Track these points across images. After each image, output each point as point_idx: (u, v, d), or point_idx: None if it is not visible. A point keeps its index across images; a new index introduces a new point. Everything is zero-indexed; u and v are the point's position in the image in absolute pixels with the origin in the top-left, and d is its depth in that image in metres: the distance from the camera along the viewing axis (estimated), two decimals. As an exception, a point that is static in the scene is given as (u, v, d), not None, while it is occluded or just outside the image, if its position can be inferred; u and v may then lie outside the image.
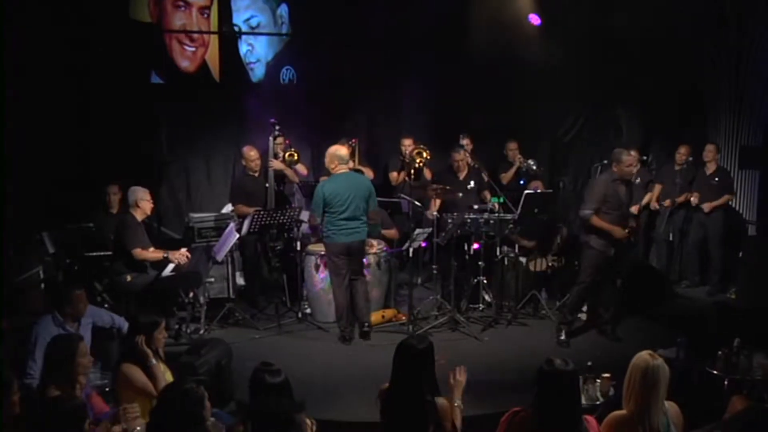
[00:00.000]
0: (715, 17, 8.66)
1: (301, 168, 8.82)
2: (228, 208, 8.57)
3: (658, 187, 8.88)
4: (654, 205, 8.88)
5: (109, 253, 7.29)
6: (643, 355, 3.59)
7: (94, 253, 7.55)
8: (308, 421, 3.16)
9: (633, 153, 8.87)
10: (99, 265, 7.50)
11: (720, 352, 5.01)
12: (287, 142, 8.67)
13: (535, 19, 9.42)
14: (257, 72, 9.74)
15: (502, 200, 7.77)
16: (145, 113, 8.82)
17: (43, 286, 7.40)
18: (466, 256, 7.62)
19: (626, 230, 6.67)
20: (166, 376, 4.37)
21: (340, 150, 7.06)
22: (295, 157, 8.78)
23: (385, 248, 7.70)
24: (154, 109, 8.94)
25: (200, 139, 9.53)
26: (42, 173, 7.77)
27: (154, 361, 4.32)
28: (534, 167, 8.68)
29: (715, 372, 4.97)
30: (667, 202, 8.65)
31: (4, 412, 3.30)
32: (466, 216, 7.33)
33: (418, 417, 3.58)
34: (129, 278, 6.73)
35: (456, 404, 3.89)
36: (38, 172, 7.67)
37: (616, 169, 6.60)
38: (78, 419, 3.07)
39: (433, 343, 3.84)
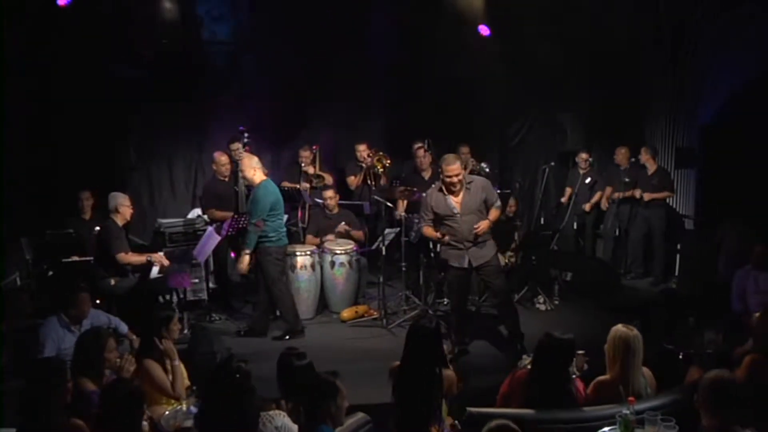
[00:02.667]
0: (652, 26, 9.31)
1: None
2: (194, 213, 8.81)
3: (609, 189, 9.53)
4: (604, 205, 9.53)
5: (86, 258, 7.48)
6: (622, 328, 4.15)
7: (70, 259, 7.67)
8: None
9: (584, 155, 9.64)
10: (75, 270, 7.62)
11: (676, 330, 5.60)
12: (248, 149, 8.93)
13: (484, 30, 9.95)
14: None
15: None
16: (112, 118, 8.95)
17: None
18: (432, 254, 8.08)
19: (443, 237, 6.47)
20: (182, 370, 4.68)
21: (253, 158, 7.36)
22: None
23: (355, 248, 8.10)
24: (121, 113, 9.09)
25: (163, 144, 9.71)
26: (14, 179, 7.86)
27: (177, 361, 4.61)
28: (487, 170, 9.18)
29: (672, 347, 5.55)
30: (616, 195, 9.28)
31: (58, 399, 3.56)
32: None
33: (430, 390, 4.00)
34: (113, 282, 6.93)
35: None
36: (11, 178, 7.76)
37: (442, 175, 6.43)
38: (137, 401, 3.37)
39: (440, 323, 4.29)
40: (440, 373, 4.06)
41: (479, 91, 10.28)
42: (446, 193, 6.45)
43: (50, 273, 7.65)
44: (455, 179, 6.33)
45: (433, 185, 8.53)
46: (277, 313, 7.61)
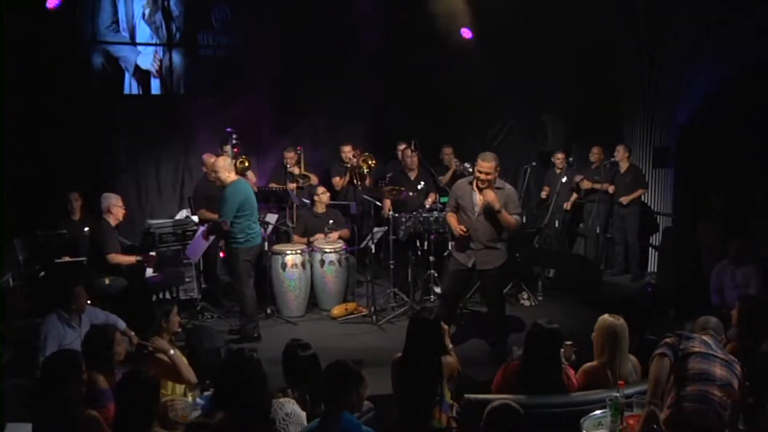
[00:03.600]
0: (630, 29, 9.59)
1: (251, 175, 9.24)
2: (182, 214, 8.91)
3: (584, 184, 9.78)
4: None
5: (79, 259, 7.58)
6: (609, 318, 4.39)
7: (62, 260, 7.73)
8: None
9: (560, 155, 9.88)
10: (67, 270, 7.68)
11: (658, 322, 5.84)
12: (236, 150, 9.07)
13: (466, 33, 10.15)
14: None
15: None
16: (100, 119, 9.05)
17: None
18: (419, 252, 8.28)
19: (465, 232, 6.42)
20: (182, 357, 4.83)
21: (227, 159, 7.53)
22: (246, 164, 9.19)
23: (344, 247, 8.26)
24: (109, 115, 9.21)
25: (150, 147, 9.80)
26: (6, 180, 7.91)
27: (172, 351, 4.76)
28: (470, 170, 9.36)
29: (654, 338, 5.76)
30: (587, 183, 9.62)
31: (74, 391, 3.69)
32: (421, 214, 8.00)
33: (431, 378, 4.16)
34: (107, 281, 7.04)
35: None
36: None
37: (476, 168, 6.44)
38: (154, 389, 3.51)
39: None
40: (440, 361, 4.24)
41: (462, 93, 10.47)
42: (474, 188, 6.45)
43: (42, 273, 7.73)
44: (483, 176, 6.28)
45: (418, 185, 8.88)
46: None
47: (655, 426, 3.54)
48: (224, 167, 7.25)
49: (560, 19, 9.48)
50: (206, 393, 4.48)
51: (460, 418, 4.24)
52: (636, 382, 4.30)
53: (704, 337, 3.98)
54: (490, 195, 6.24)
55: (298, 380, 4.01)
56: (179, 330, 5.11)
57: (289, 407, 3.68)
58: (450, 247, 6.95)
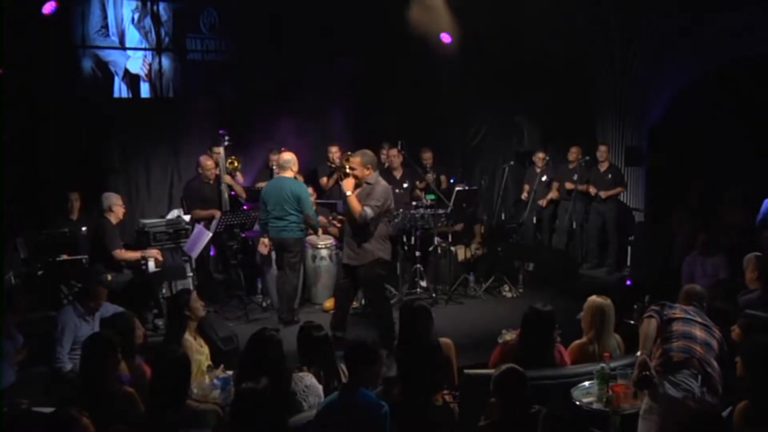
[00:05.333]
0: (602, 33, 10.04)
1: (240, 176, 9.54)
2: (173, 214, 9.16)
3: (556, 185, 10.20)
4: (554, 194, 10.19)
5: (78, 257, 7.81)
6: (597, 298, 4.80)
7: (61, 257, 7.93)
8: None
9: (541, 154, 10.28)
10: (66, 268, 7.89)
11: (635, 306, 6.26)
12: (226, 152, 9.33)
13: (446, 38, 10.52)
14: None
15: (434, 197, 8.88)
16: (94, 120, 9.31)
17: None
18: (406, 247, 8.65)
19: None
20: (203, 349, 5.14)
21: (281, 156, 7.90)
22: (236, 164, 9.47)
23: (334, 243, 8.60)
24: (103, 120, 9.47)
25: (140, 148, 10.03)
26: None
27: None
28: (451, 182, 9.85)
29: (632, 322, 6.19)
30: (569, 185, 9.95)
31: (111, 369, 3.99)
32: (409, 211, 8.38)
33: (431, 359, 4.50)
34: (109, 278, 7.27)
35: None
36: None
37: None
38: (186, 365, 3.83)
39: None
40: (437, 343, 4.60)
41: (441, 95, 10.84)
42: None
43: (41, 272, 7.91)
44: (350, 171, 6.76)
45: (404, 184, 9.27)
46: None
47: (647, 372, 4.02)
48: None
49: (535, 24, 9.85)
50: (222, 375, 4.79)
51: (460, 394, 4.59)
52: (620, 356, 4.71)
53: (685, 307, 4.50)
54: (346, 182, 6.69)
55: (312, 358, 4.35)
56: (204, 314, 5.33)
57: (308, 380, 4.03)
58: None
